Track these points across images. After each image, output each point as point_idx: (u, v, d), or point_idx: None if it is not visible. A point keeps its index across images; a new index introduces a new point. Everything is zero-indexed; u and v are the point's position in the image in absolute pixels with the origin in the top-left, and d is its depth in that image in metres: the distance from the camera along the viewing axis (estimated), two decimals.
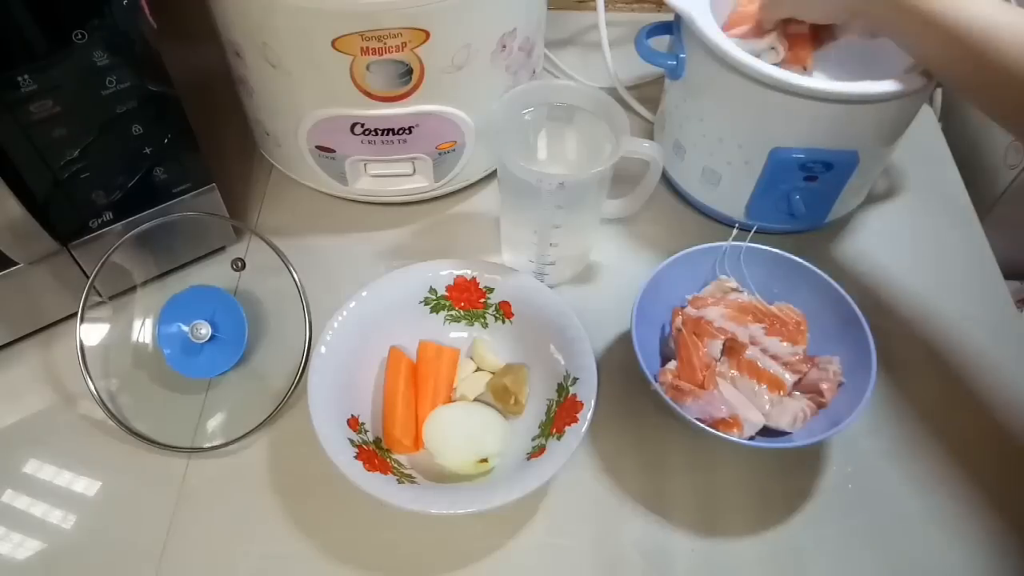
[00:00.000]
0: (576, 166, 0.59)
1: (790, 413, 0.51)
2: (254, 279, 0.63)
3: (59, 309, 0.59)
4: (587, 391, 0.51)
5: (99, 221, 0.54)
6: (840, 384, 0.52)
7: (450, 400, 0.55)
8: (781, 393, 0.53)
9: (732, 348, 0.55)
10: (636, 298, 0.54)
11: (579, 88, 0.57)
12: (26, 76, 0.44)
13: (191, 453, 0.54)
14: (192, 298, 0.57)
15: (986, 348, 0.61)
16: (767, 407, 0.52)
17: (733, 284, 0.58)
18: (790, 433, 0.51)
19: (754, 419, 0.52)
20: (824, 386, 0.52)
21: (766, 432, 0.52)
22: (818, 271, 0.56)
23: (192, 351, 0.56)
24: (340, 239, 0.66)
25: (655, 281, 0.55)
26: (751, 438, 0.51)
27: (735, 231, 0.58)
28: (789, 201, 0.61)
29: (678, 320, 0.56)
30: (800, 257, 0.57)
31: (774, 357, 0.55)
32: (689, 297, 0.58)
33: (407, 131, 0.59)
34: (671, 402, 0.50)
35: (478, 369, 0.57)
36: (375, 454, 0.50)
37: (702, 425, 0.49)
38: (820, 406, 0.52)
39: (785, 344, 0.55)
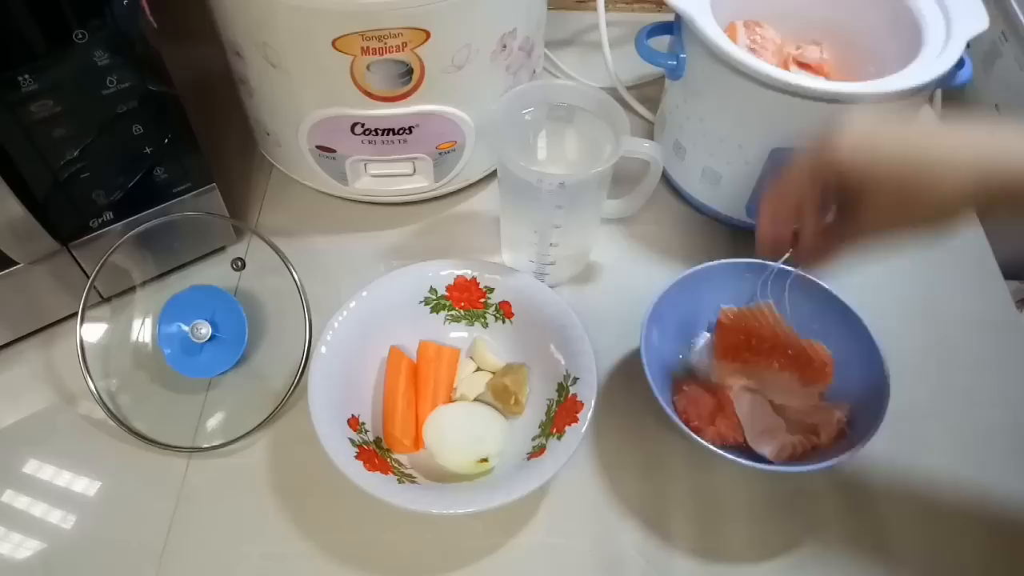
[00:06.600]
0: (576, 166, 0.59)
1: (778, 443, 0.51)
2: (254, 279, 0.63)
3: (59, 309, 0.59)
4: (587, 391, 0.51)
5: (99, 221, 0.54)
6: (841, 432, 0.51)
7: (450, 400, 0.55)
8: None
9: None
10: (662, 290, 0.54)
11: (579, 88, 0.57)
12: (27, 76, 0.44)
13: (191, 453, 0.54)
14: (192, 298, 0.57)
15: (986, 348, 0.61)
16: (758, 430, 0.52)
17: (772, 310, 0.56)
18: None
19: (732, 434, 0.52)
20: (822, 432, 0.51)
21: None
22: (860, 318, 0.53)
23: (192, 351, 0.56)
24: (340, 239, 0.66)
25: (692, 278, 0.55)
26: (735, 448, 0.51)
27: (789, 254, 0.54)
28: None
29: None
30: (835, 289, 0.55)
31: (780, 407, 0.54)
32: (724, 307, 0.57)
33: (407, 131, 0.59)
34: (651, 379, 0.50)
35: (478, 369, 0.57)
36: (375, 454, 0.50)
37: (674, 417, 0.49)
38: (814, 447, 0.51)
39: (801, 391, 0.54)
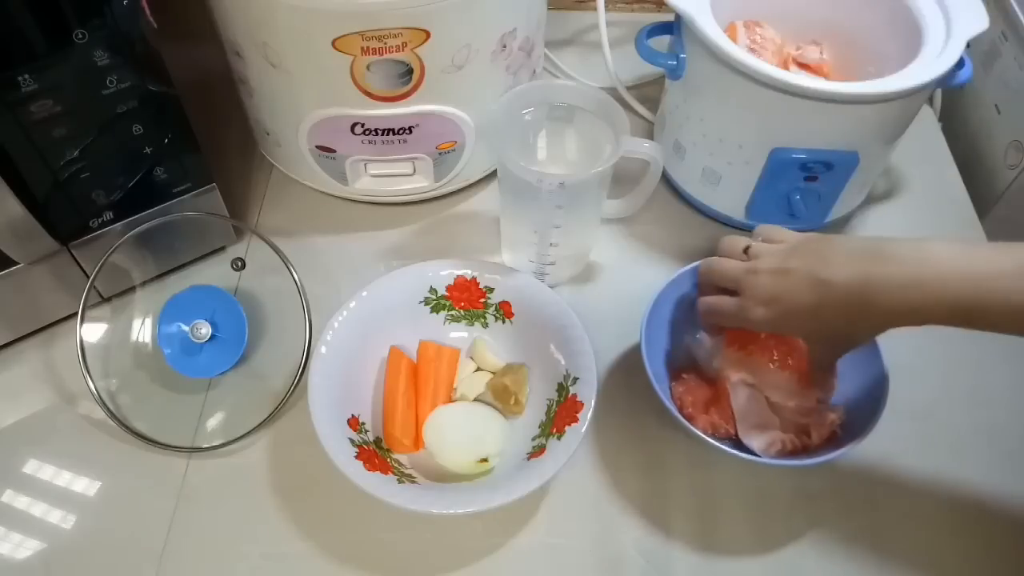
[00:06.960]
0: (576, 166, 0.59)
1: (767, 438, 0.51)
2: (254, 279, 0.63)
3: (59, 309, 0.59)
4: (587, 391, 0.51)
5: (99, 221, 0.54)
6: (833, 435, 0.51)
7: (450, 400, 0.55)
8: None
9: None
10: (662, 286, 0.55)
11: (579, 88, 0.57)
12: (27, 76, 0.44)
13: (191, 453, 0.54)
14: (192, 298, 0.57)
15: (986, 348, 0.61)
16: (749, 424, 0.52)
17: None
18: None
19: (724, 425, 0.52)
20: (813, 433, 0.51)
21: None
22: None
23: (192, 351, 0.56)
24: (340, 239, 0.66)
25: (691, 275, 0.55)
26: (728, 440, 0.51)
27: None
28: (789, 201, 0.61)
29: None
30: None
31: (777, 406, 0.54)
32: None
33: (407, 131, 0.59)
34: (650, 373, 0.50)
35: (478, 369, 0.57)
36: (375, 454, 0.50)
37: (669, 404, 0.49)
38: (805, 447, 0.51)
39: (798, 393, 0.54)
